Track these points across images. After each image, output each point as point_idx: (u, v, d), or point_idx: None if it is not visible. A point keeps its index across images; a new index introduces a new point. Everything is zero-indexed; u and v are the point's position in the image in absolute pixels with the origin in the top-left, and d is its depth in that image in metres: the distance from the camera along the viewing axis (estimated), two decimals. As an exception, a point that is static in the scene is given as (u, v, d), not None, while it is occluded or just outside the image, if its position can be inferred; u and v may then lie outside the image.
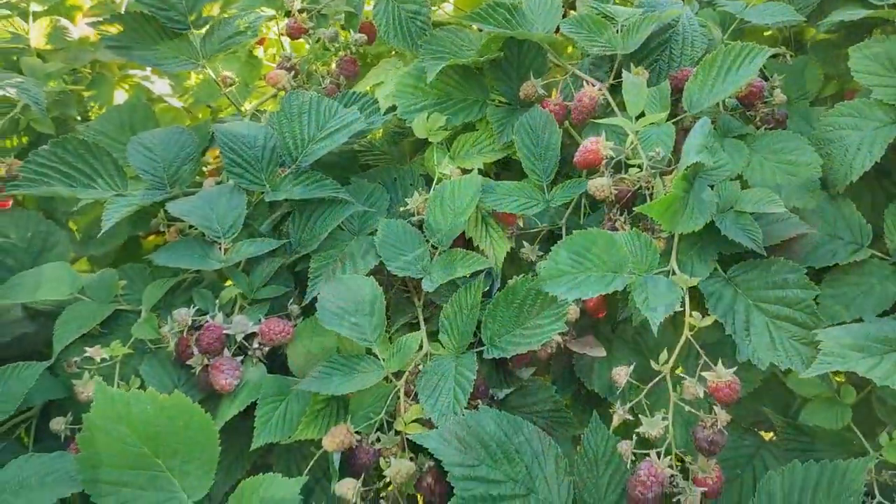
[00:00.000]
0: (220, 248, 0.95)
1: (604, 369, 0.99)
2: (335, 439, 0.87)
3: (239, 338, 0.91)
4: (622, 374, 0.81)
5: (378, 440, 0.89)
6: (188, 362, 0.91)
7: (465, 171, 1.03)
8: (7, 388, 0.89)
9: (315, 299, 0.93)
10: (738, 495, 0.87)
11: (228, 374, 0.89)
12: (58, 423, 0.92)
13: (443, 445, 0.80)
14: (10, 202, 1.16)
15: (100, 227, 1.25)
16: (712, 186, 0.89)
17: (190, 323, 0.91)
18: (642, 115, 0.93)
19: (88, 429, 0.79)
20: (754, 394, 0.94)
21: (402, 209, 1.04)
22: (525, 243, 1.01)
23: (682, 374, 0.81)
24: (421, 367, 0.90)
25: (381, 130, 1.26)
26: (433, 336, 0.95)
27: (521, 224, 1.02)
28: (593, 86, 1.01)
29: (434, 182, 1.03)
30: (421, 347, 0.93)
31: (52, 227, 1.16)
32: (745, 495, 0.86)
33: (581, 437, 0.87)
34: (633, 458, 0.81)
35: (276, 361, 0.96)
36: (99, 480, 0.80)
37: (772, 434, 0.98)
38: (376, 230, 0.99)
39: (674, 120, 0.95)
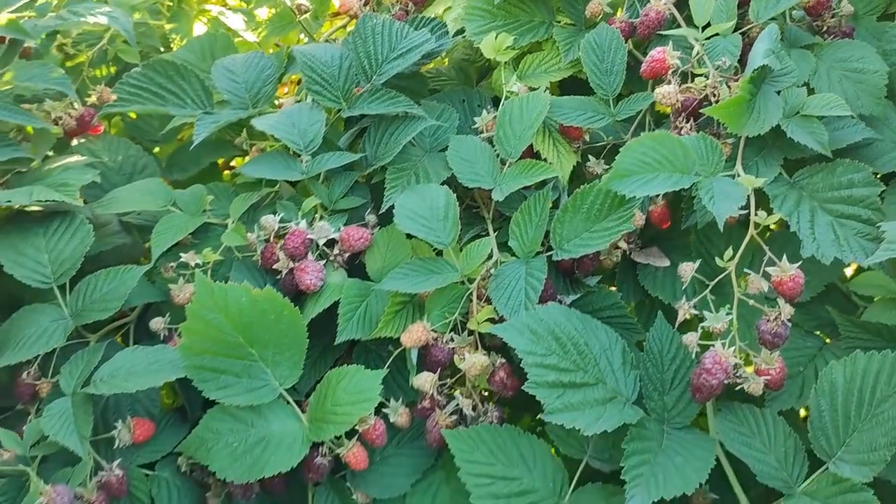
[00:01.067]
0: (301, 161, 1.00)
1: (668, 278, 1.02)
2: (413, 336, 0.93)
3: (321, 242, 0.97)
4: (688, 269, 0.85)
5: (452, 340, 0.95)
6: (274, 267, 0.98)
7: (531, 90, 1.07)
8: (112, 288, 0.97)
9: (390, 211, 0.98)
10: (799, 390, 0.90)
11: (313, 276, 0.95)
12: (157, 323, 1.00)
13: (516, 335, 0.85)
14: (102, 128, 1.24)
15: (183, 155, 1.33)
16: (779, 92, 0.91)
17: (276, 229, 0.97)
18: (708, 25, 0.95)
19: (191, 318, 0.87)
20: (816, 299, 0.97)
21: (471, 128, 1.08)
22: (591, 157, 1.05)
23: (746, 270, 0.84)
24: (492, 271, 0.95)
25: (447, 58, 1.30)
26: (503, 247, 0.99)
27: (586, 138, 1.05)
28: (660, 0, 1.02)
29: (502, 100, 1.06)
30: (491, 256, 0.98)
31: (140, 151, 1.24)
32: (806, 389, 0.90)
33: (645, 339, 0.91)
34: (698, 349, 0.85)
35: (354, 270, 1.02)
36: (200, 367, 0.88)
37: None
38: (447, 147, 1.04)
39: (740, 31, 0.97)
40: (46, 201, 0.95)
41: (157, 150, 1.36)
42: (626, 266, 1.06)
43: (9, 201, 0.94)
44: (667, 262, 1.03)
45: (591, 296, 1.00)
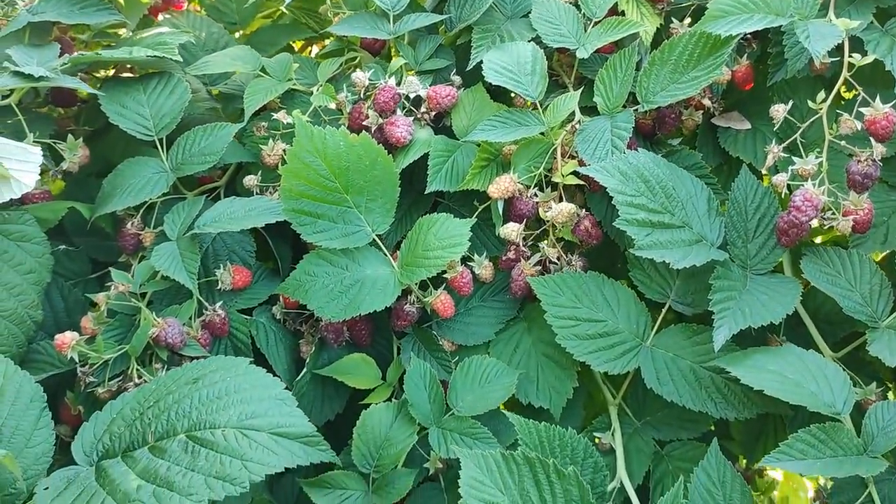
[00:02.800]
0: (389, 21, 1.02)
1: (749, 140, 1.03)
2: (500, 186, 0.96)
3: (411, 96, 1.00)
4: (780, 110, 0.86)
5: (536, 195, 0.97)
6: (363, 124, 1.01)
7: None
8: (208, 143, 1.00)
9: (474, 73, 1.00)
10: (883, 236, 0.91)
11: (403, 129, 0.98)
12: (250, 180, 1.04)
13: (606, 176, 0.87)
14: (183, 5, 1.27)
15: (260, 36, 1.35)
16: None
17: (366, 85, 1.00)
18: None
19: (291, 160, 0.90)
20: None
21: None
22: (674, 19, 1.05)
23: (839, 112, 0.84)
24: (577, 126, 0.97)
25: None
26: (584, 111, 1.01)
27: (671, 0, 1.06)
28: None
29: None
30: (574, 116, 0.99)
31: (221, 29, 1.27)
32: (890, 235, 0.91)
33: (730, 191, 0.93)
34: (787, 190, 0.86)
35: (439, 132, 1.04)
36: (299, 211, 0.92)
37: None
38: (528, 13, 1.05)
39: None
40: (147, 56, 0.99)
41: (233, 32, 1.39)
42: (706, 130, 1.07)
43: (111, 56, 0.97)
44: (748, 125, 1.04)
45: (673, 156, 1.02)
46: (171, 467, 0.65)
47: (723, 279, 0.85)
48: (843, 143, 0.84)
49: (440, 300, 0.96)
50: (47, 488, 0.67)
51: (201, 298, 0.97)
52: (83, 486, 0.66)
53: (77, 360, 0.89)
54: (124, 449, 0.69)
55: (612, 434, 0.95)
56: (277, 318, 1.01)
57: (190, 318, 0.96)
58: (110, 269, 0.95)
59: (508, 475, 0.73)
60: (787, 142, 0.87)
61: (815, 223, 0.84)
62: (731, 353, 0.83)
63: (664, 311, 0.92)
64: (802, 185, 0.84)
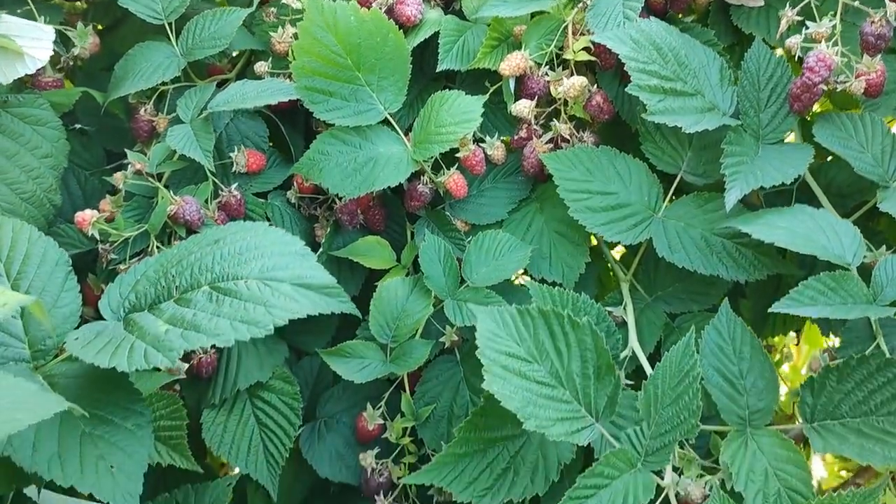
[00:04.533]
0: None
1: (762, 16, 1.02)
2: (511, 63, 0.96)
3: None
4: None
5: (547, 74, 0.97)
6: (373, 4, 1.00)
7: None
8: (218, 27, 1.00)
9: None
10: (896, 102, 0.92)
11: (413, 8, 0.97)
12: (261, 66, 1.03)
13: (618, 42, 0.87)
14: None
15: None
16: None
17: (375, -36, 0.99)
18: None
19: (302, 35, 0.90)
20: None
21: None
22: None
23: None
24: (588, 1, 0.96)
25: None
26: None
27: None
28: None
29: None
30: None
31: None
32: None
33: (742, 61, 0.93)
34: (800, 53, 0.86)
35: (450, 13, 1.03)
36: (311, 88, 0.92)
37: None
38: None
39: None
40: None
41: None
42: (718, 8, 1.05)
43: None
44: (761, 2, 1.03)
45: (685, 33, 1.01)
46: (197, 314, 0.67)
47: (735, 145, 0.86)
48: (856, 2, 0.84)
49: (453, 179, 0.97)
50: (77, 339, 0.69)
51: (217, 181, 0.98)
52: (112, 334, 0.68)
53: (98, 238, 0.91)
54: (150, 304, 0.71)
55: (624, 308, 0.96)
56: (292, 202, 1.02)
57: (206, 201, 0.97)
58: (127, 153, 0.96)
59: (524, 328, 0.74)
60: (800, 5, 0.86)
61: (826, 87, 0.84)
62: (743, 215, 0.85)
63: (676, 182, 0.93)
64: (815, 47, 0.83)
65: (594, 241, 1.04)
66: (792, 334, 1.37)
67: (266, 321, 0.66)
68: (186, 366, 0.89)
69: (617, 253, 1.15)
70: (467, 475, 0.80)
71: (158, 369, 0.80)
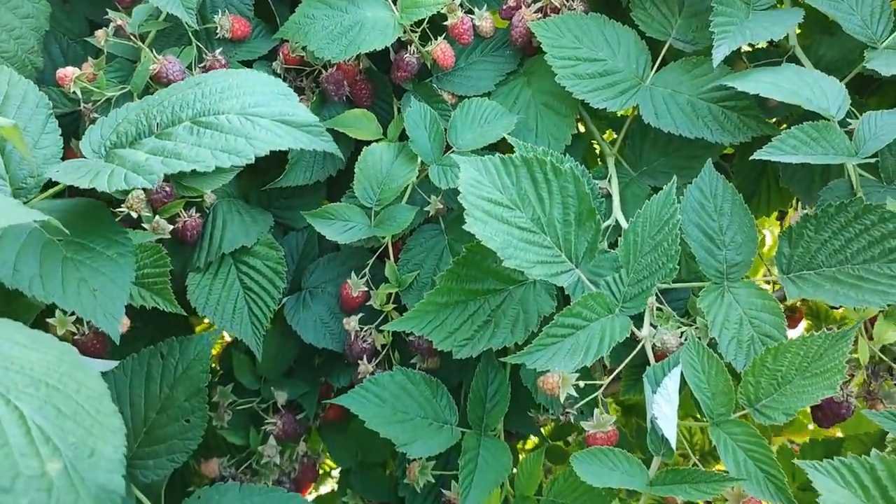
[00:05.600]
0: None
1: None
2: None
3: None
4: None
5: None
6: None
7: None
8: None
9: None
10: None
11: None
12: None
13: None
14: None
15: None
16: None
17: None
18: None
19: None
20: None
21: None
22: None
23: None
24: None
25: None
26: None
27: None
28: None
29: None
30: None
31: None
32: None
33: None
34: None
35: None
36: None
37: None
38: None
39: None
40: None
41: None
42: None
43: None
44: None
45: None
46: (178, 145, 0.67)
47: (724, 6, 0.85)
48: None
49: (440, 48, 0.96)
50: (59, 171, 0.69)
51: (201, 45, 0.97)
52: (94, 165, 0.68)
53: (80, 96, 0.90)
54: (131, 141, 0.71)
55: (609, 181, 0.97)
56: (278, 72, 1.01)
57: (190, 67, 0.96)
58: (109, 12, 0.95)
59: (506, 176, 0.74)
60: None
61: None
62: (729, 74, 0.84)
63: (664, 49, 0.92)
64: None
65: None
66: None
67: (247, 151, 0.66)
68: (171, 227, 0.90)
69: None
70: (448, 325, 0.81)
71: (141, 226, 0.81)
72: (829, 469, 0.59)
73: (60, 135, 0.76)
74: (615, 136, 1.11)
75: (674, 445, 0.70)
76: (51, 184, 0.73)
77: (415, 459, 0.94)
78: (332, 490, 1.40)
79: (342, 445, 1.09)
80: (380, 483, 1.08)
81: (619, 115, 1.09)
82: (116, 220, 0.75)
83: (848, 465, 0.58)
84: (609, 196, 0.95)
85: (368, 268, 0.96)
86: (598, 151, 1.10)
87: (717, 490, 0.67)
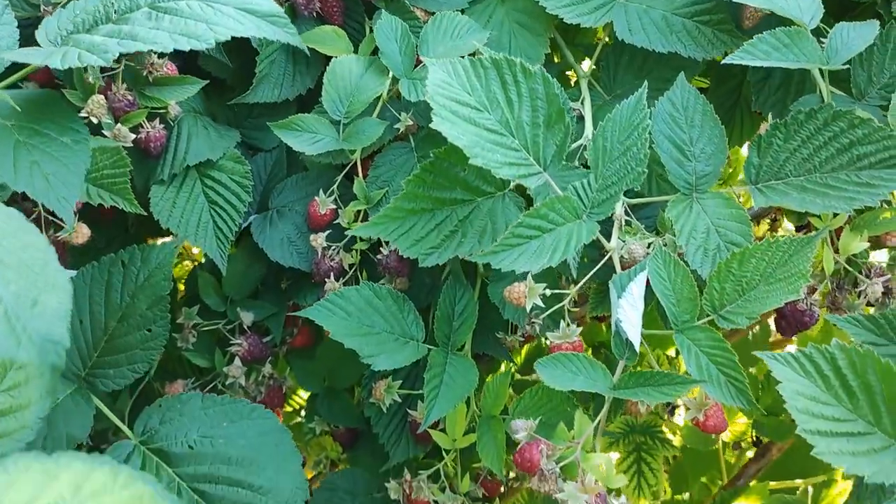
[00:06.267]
0: None
1: None
2: None
3: None
4: None
5: None
6: None
7: None
8: None
9: None
10: None
11: None
12: None
13: None
14: None
15: None
16: None
17: None
18: None
19: None
20: None
21: None
22: None
23: None
24: None
25: None
26: None
27: None
28: None
29: None
30: None
31: None
32: None
33: None
34: None
35: None
36: None
37: None
38: None
39: None
40: None
41: None
42: None
43: None
44: None
45: None
46: (135, 27, 0.65)
47: None
48: None
49: (415, -41, 0.94)
50: (13, 56, 0.67)
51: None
52: (49, 49, 0.66)
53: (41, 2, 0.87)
54: (88, 28, 0.68)
55: (582, 102, 0.96)
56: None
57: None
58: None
59: (475, 78, 0.73)
60: None
61: None
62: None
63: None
64: None
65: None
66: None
67: (207, 36, 0.64)
68: (133, 136, 0.88)
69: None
70: (415, 233, 0.80)
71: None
72: (788, 359, 0.59)
73: (17, 27, 0.74)
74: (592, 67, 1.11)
75: (637, 349, 0.70)
76: (6, 74, 0.71)
77: (381, 378, 0.93)
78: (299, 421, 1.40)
79: (310, 370, 1.08)
80: (346, 408, 1.08)
81: (594, 42, 1.09)
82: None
83: (808, 355, 0.58)
84: (582, 118, 0.94)
85: (337, 186, 0.95)
86: (573, 81, 1.09)
87: (678, 392, 0.67)
